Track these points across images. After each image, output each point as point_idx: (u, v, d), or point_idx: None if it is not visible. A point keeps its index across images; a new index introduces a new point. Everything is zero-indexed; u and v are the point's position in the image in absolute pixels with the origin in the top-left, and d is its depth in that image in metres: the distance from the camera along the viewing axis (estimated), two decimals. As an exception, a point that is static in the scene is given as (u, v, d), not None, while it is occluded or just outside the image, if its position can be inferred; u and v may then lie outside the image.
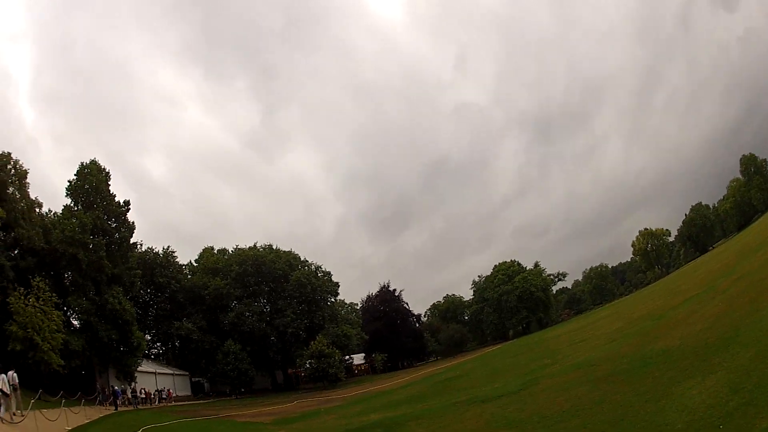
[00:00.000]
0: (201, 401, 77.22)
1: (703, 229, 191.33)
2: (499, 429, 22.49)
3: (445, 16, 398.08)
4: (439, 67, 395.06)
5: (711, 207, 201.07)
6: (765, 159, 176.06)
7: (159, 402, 68.84)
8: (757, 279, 30.48)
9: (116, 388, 59.71)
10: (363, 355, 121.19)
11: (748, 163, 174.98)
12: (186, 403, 72.93)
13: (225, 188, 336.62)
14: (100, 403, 55.01)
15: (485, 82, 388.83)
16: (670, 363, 22.37)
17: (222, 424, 46.90)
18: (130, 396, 60.83)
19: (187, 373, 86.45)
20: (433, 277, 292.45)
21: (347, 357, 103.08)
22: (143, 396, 65.94)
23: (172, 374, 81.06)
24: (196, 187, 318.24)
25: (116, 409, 53.75)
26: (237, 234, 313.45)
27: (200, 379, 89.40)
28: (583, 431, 17.70)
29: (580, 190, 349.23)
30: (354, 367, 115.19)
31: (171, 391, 74.65)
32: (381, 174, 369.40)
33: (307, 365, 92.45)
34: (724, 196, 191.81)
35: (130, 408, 57.51)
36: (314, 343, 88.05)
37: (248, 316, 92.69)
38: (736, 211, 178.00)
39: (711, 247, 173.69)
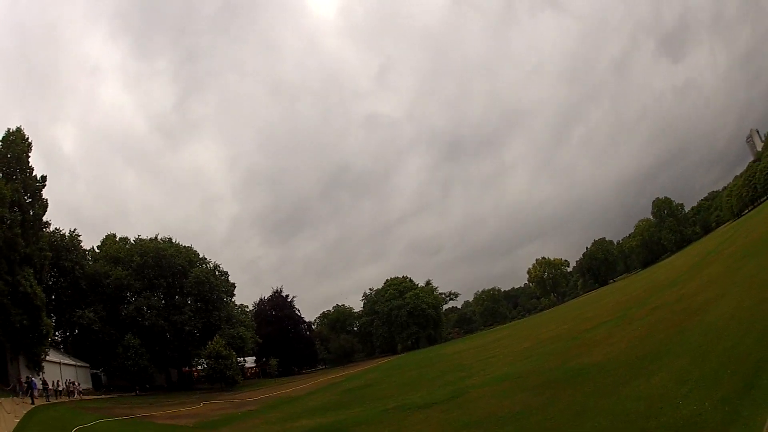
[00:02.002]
0: (105, 396, 75.37)
1: (604, 263, 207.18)
2: (460, 429, 24.45)
3: (378, 25, 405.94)
4: (360, 74, 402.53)
5: (615, 243, 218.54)
6: (681, 204, 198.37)
7: (73, 396, 66.77)
8: (677, 309, 34.38)
9: (32, 379, 57.87)
10: (254, 358, 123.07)
11: (662, 205, 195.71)
12: (93, 397, 70.44)
13: (128, 172, 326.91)
14: (18, 395, 54.19)
15: (403, 95, 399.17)
16: (606, 372, 25.29)
17: (147, 427, 46.48)
18: (41, 387, 59.04)
19: (88, 365, 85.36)
20: (323, 285, 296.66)
21: (240, 359, 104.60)
22: (60, 389, 64.96)
23: (75, 366, 79.57)
24: (100, 168, 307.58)
25: (33, 402, 53.35)
26: (133, 222, 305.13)
27: (98, 371, 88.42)
28: (549, 423, 20.13)
29: (480, 214, 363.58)
30: (246, 370, 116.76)
31: (77, 383, 74.19)
32: (282, 175, 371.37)
33: (205, 365, 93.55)
34: (630, 234, 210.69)
35: (45, 402, 56.22)
36: (212, 344, 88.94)
37: (146, 310, 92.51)
38: (643, 249, 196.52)
39: (612, 280, 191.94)
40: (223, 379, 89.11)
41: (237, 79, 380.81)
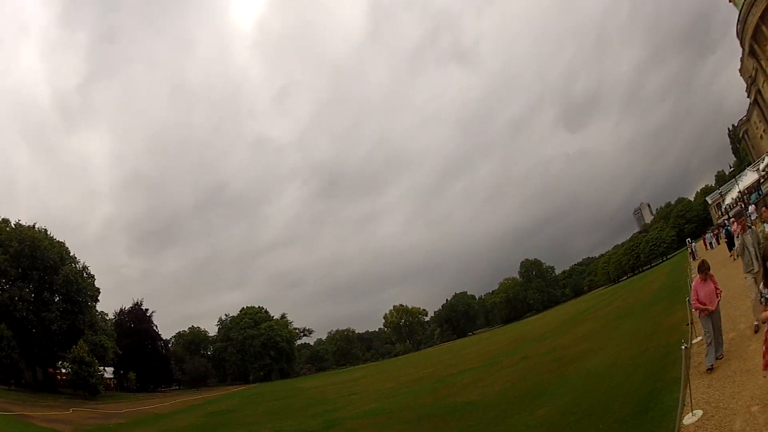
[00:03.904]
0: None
1: (464, 315, 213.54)
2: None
3: (290, 47, 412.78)
4: (260, 93, 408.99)
5: (477, 297, 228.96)
6: (552, 266, 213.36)
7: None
8: (550, 359, 36.55)
9: None
10: (113, 369, 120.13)
11: (530, 267, 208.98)
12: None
13: (22, 146, 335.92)
14: None
15: (296, 122, 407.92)
16: (485, 408, 26.43)
17: (28, 428, 42.87)
18: None
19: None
20: (183, 304, 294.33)
21: (101, 369, 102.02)
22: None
23: (-53, 351, 76.38)
24: None
25: None
26: (18, 200, 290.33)
27: None
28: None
29: (347, 254, 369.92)
30: (105, 381, 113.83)
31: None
32: (162, 184, 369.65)
33: (69, 370, 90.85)
34: (494, 291, 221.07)
35: None
36: (76, 348, 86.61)
37: (18, 301, 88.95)
38: (506, 306, 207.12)
39: (471, 333, 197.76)
40: (87, 386, 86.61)
41: (145, 72, 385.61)
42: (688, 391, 12.38)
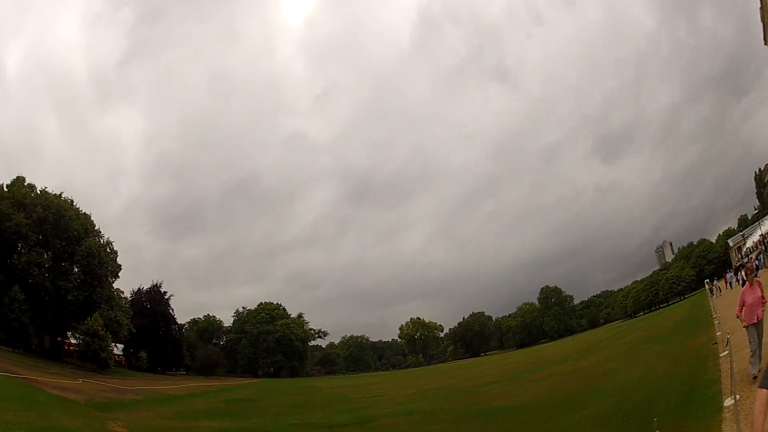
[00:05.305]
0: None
1: (479, 335, 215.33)
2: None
3: (336, 48, 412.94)
4: (302, 90, 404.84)
5: (493, 319, 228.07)
6: (571, 295, 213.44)
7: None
8: (577, 376, 38.39)
9: None
10: (123, 347, 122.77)
11: (550, 293, 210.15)
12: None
13: (53, 117, 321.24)
14: None
15: (333, 125, 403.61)
16: (527, 411, 27.71)
17: (39, 394, 41.60)
18: None
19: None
20: (196, 293, 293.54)
21: (112, 344, 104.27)
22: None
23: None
24: (31, 102, 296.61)
25: None
26: (43, 170, 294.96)
27: None
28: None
29: (368, 261, 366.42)
30: (114, 357, 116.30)
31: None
32: (191, 170, 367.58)
33: (81, 341, 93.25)
34: (511, 314, 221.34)
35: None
36: (90, 320, 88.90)
37: (35, 266, 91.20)
38: (522, 330, 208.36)
39: (484, 354, 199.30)
40: (96, 359, 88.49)
41: (186, 56, 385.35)
42: (731, 380, 14.43)
